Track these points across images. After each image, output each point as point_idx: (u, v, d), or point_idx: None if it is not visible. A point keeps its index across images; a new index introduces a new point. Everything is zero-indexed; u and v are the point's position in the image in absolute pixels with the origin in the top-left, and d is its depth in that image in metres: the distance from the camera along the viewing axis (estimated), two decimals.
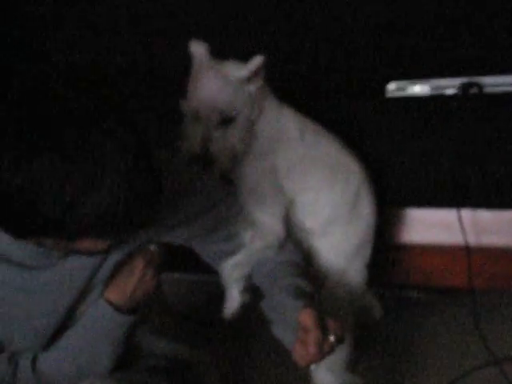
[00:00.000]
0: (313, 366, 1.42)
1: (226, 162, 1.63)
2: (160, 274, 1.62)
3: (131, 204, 1.21)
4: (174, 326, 1.88)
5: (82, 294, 1.56)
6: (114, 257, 1.57)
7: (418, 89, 2.00)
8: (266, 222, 1.71)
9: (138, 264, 1.58)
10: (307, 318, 1.40)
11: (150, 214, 1.29)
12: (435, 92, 1.99)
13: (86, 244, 1.31)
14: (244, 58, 1.62)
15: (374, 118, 2.03)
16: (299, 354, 1.42)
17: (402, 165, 2.00)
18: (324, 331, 1.40)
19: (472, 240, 1.98)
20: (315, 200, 1.79)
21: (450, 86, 1.97)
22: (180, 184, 1.63)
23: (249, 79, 1.61)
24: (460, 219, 1.95)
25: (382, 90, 2.03)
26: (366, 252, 1.86)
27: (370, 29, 1.97)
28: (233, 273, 1.69)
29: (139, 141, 1.23)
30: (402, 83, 2.02)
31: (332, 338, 1.40)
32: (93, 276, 1.56)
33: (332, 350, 1.41)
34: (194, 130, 1.62)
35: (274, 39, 2.07)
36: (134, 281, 1.57)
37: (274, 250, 1.71)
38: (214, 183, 1.70)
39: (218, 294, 1.75)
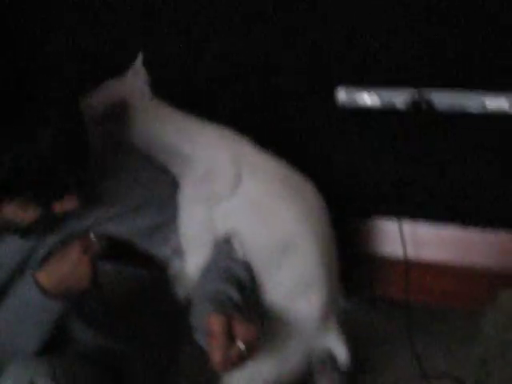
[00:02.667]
0: (228, 370, 1.40)
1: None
2: (96, 265, 1.58)
3: (47, 156, 1.25)
4: (107, 317, 1.86)
5: (15, 276, 1.55)
6: (51, 240, 1.55)
7: (369, 100, 2.01)
8: (187, 261, 1.70)
9: (74, 250, 1.54)
10: (213, 323, 1.38)
11: (63, 179, 1.32)
12: (386, 106, 2.00)
13: (12, 211, 1.32)
14: None
15: (324, 126, 2.04)
16: (211, 360, 1.39)
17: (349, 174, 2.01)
18: (234, 338, 1.37)
19: (411, 253, 1.99)
20: (249, 241, 1.71)
21: (399, 101, 1.98)
22: (124, 175, 1.62)
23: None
24: (401, 231, 1.96)
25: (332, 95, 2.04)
26: (316, 288, 1.75)
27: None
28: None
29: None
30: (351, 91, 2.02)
31: (241, 346, 1.37)
32: (26, 259, 1.54)
33: (241, 358, 1.38)
34: None
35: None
36: (66, 267, 1.53)
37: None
38: (164, 188, 1.69)
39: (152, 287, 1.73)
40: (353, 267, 1.85)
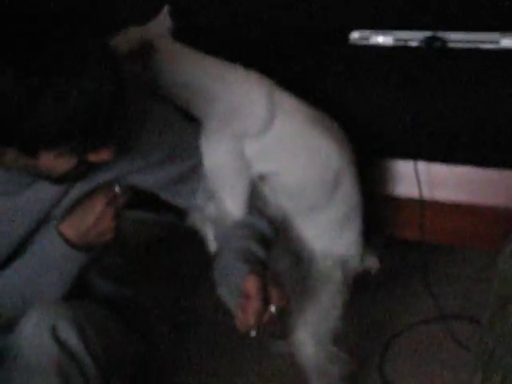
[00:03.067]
0: (253, 333, 1.40)
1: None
2: (121, 217, 1.60)
3: (87, 110, 1.24)
4: (127, 269, 1.87)
5: (39, 225, 1.54)
6: (76, 191, 1.54)
7: (382, 39, 1.98)
8: (227, 204, 1.67)
9: (98, 202, 1.55)
10: (250, 284, 1.39)
11: (109, 127, 1.32)
12: (399, 43, 1.98)
13: (49, 161, 1.31)
14: None
15: (338, 66, 2.00)
16: (239, 319, 1.40)
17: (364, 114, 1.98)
18: (266, 300, 1.38)
19: (426, 193, 1.97)
20: (288, 183, 1.73)
21: (413, 38, 1.96)
22: (151, 124, 1.60)
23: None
24: (416, 172, 1.94)
25: (346, 38, 2.00)
26: (356, 227, 1.82)
27: None
28: (202, 223, 1.70)
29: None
30: (365, 32, 2.00)
31: (273, 309, 1.39)
32: (52, 208, 1.53)
33: (272, 320, 1.40)
34: None
35: None
36: (91, 218, 1.54)
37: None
38: (189, 136, 1.67)
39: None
40: (368, 207, 1.86)
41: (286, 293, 1.43)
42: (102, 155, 1.38)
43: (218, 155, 1.66)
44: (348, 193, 1.77)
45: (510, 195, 1.94)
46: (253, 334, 1.40)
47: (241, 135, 1.65)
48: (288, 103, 1.69)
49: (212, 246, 1.73)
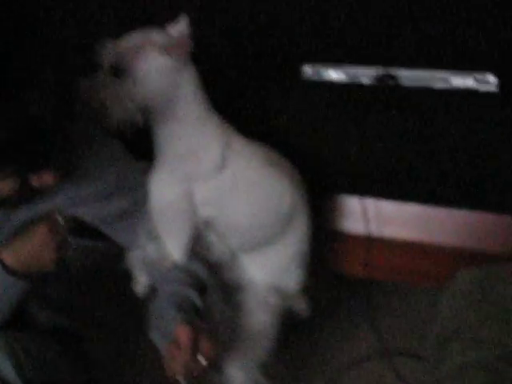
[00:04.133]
0: (181, 380, 1.39)
1: (116, 113, 1.51)
2: (65, 245, 1.58)
3: (27, 133, 1.24)
4: (68, 298, 1.85)
5: None
6: (19, 218, 1.54)
7: (335, 75, 1.99)
8: (168, 246, 1.66)
9: (40, 231, 1.53)
10: (182, 334, 1.38)
11: (50, 149, 1.32)
12: (351, 80, 1.99)
13: None
14: None
15: (289, 100, 2.01)
16: (167, 366, 1.40)
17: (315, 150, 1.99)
18: (197, 352, 1.38)
19: (373, 230, 1.98)
20: (235, 225, 1.73)
21: (366, 75, 1.97)
22: (96, 156, 1.60)
23: (168, 49, 1.54)
24: (364, 208, 1.95)
25: (298, 72, 2.01)
26: (304, 263, 1.83)
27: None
28: (139, 261, 1.67)
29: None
30: (317, 67, 2.01)
31: (203, 362, 1.38)
32: None
33: (202, 372, 1.39)
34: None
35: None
36: (31, 246, 1.51)
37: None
38: (134, 173, 1.67)
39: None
40: (316, 243, 1.86)
41: (216, 345, 1.42)
42: (44, 179, 1.37)
43: (166, 195, 1.64)
44: (300, 230, 1.78)
45: (457, 234, 1.96)
46: (182, 381, 1.39)
47: (192, 177, 1.64)
48: (241, 146, 1.69)
49: (140, 288, 1.70)
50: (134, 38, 1.54)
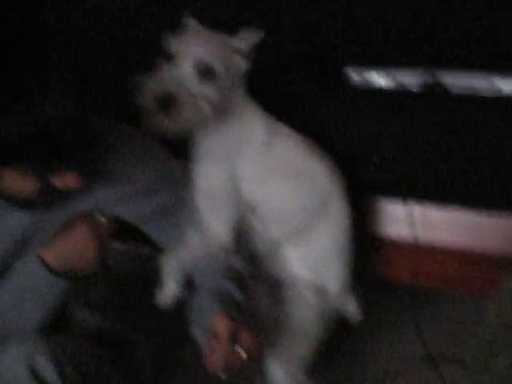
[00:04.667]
0: (222, 375, 1.38)
1: (189, 114, 1.49)
2: (104, 246, 1.59)
3: (43, 132, 1.25)
4: (112, 300, 1.86)
5: (17, 251, 1.54)
6: (56, 217, 1.54)
7: (381, 80, 1.99)
8: (214, 227, 1.67)
9: (81, 230, 1.54)
10: (220, 326, 1.39)
11: (70, 151, 1.33)
12: (398, 88, 1.99)
13: (11, 182, 1.33)
14: None
15: (334, 105, 2.02)
16: (207, 360, 1.40)
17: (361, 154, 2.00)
18: (237, 344, 1.38)
19: (420, 236, 1.97)
20: (279, 208, 1.74)
21: (413, 83, 1.97)
22: (131, 154, 1.61)
23: (243, 53, 1.57)
24: (410, 213, 1.95)
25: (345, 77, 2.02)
26: (344, 258, 1.83)
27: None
28: (173, 267, 1.65)
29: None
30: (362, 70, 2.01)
31: (242, 354, 1.38)
32: (30, 235, 1.54)
33: (241, 365, 1.39)
34: (164, 72, 1.52)
35: None
36: (73, 246, 1.53)
37: (215, 255, 1.68)
38: (174, 169, 1.69)
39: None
40: (361, 249, 1.87)
41: (258, 338, 1.42)
42: (67, 180, 1.39)
43: (211, 178, 1.66)
44: (337, 218, 1.79)
45: (503, 241, 1.94)
46: (222, 375, 1.38)
47: (237, 159, 1.66)
48: (284, 131, 1.74)
49: (165, 297, 1.66)
50: (219, 42, 1.57)
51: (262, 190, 1.70)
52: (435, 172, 1.96)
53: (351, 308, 1.87)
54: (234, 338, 1.38)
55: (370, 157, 1.98)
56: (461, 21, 1.89)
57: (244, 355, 1.38)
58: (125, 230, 1.69)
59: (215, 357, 1.37)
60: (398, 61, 1.97)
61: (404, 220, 1.97)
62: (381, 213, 2.00)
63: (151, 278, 2.37)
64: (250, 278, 1.70)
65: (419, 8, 1.91)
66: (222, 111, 1.58)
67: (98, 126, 1.52)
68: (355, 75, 1.99)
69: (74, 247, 1.53)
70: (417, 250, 1.97)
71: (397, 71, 1.97)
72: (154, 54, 1.54)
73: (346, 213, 1.81)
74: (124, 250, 2.13)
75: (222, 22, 1.58)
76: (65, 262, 1.53)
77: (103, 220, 1.57)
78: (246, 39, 1.57)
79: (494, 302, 1.59)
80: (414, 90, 1.94)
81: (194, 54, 1.52)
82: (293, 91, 2.04)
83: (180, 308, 1.62)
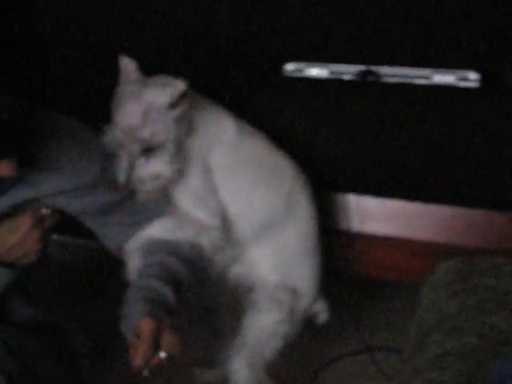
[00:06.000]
0: (145, 372, 1.40)
1: (151, 191, 1.60)
2: (47, 239, 1.57)
3: None
4: (50, 292, 1.85)
5: None
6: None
7: (316, 72, 2.00)
8: (204, 219, 1.68)
9: (25, 221, 1.52)
10: (144, 326, 1.39)
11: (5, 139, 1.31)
12: (333, 76, 2.00)
13: None
14: None
15: (271, 97, 2.02)
16: (130, 357, 1.40)
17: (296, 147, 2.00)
18: (158, 345, 1.40)
19: (356, 226, 1.99)
20: (246, 203, 1.75)
21: (347, 72, 1.98)
22: (77, 146, 1.59)
23: (172, 105, 1.56)
24: (347, 204, 1.97)
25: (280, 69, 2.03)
26: (313, 257, 1.84)
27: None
28: (135, 248, 1.68)
29: None
30: (299, 65, 2.02)
31: (162, 355, 1.40)
32: None
33: (160, 365, 1.41)
34: (118, 159, 1.57)
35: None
36: (16, 237, 1.50)
37: (216, 246, 1.70)
38: None
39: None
40: None
41: (178, 340, 1.42)
42: (2, 169, 1.37)
43: (191, 175, 1.68)
44: (303, 216, 1.80)
45: (437, 229, 1.97)
46: (145, 373, 1.40)
47: (208, 157, 1.69)
48: (249, 130, 1.78)
49: (130, 268, 1.69)
50: (149, 110, 1.56)
51: (230, 187, 1.72)
52: (371, 163, 1.98)
53: (320, 308, 1.89)
54: (154, 339, 1.40)
55: (305, 150, 1.99)
56: (395, 18, 1.91)
57: (163, 356, 1.39)
58: (66, 223, 1.68)
59: (136, 356, 1.38)
60: (335, 56, 1.99)
61: (341, 210, 1.98)
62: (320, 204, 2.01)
63: (91, 270, 2.38)
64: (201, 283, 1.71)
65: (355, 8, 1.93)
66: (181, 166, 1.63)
67: (43, 118, 1.53)
68: (293, 69, 2.01)
69: (16, 240, 1.50)
70: (354, 240, 1.99)
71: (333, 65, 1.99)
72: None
73: (313, 210, 1.82)
74: (65, 242, 2.12)
75: None
76: (6, 253, 1.51)
77: (46, 212, 1.55)
78: (172, 93, 1.56)
79: (427, 287, 1.62)
80: (349, 79, 1.96)
81: (133, 138, 1.55)
82: (228, 85, 2.04)
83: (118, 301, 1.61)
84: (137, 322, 1.41)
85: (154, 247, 1.66)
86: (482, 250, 1.86)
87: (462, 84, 1.90)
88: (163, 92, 1.55)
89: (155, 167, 1.58)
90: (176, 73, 1.70)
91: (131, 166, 1.56)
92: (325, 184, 2.00)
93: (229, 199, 1.73)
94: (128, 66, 1.60)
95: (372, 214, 2.01)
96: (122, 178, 1.56)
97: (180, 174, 1.64)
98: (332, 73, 1.99)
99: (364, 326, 2.17)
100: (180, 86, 1.54)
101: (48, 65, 2.12)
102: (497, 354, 1.31)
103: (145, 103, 1.55)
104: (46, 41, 2.14)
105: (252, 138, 1.76)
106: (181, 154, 1.63)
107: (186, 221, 1.68)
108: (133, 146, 1.55)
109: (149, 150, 1.56)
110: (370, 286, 2.30)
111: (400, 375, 1.48)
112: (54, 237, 1.68)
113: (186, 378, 2.14)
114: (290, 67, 2.00)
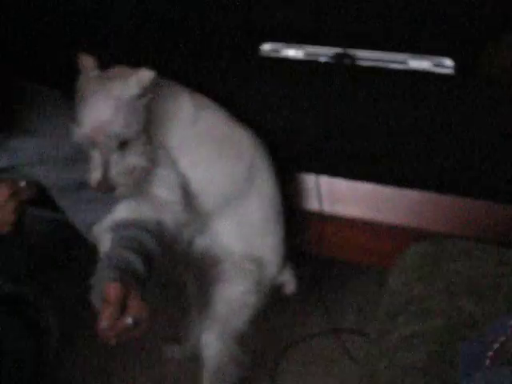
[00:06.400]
0: (112, 341, 1.39)
1: (130, 184, 1.58)
2: (23, 210, 1.57)
3: None
4: (22, 265, 1.83)
5: None
6: None
7: (292, 52, 2.01)
8: (165, 196, 1.68)
9: (2, 192, 1.51)
10: (111, 291, 1.38)
11: None
12: (309, 58, 2.01)
13: None
14: None
15: (248, 77, 2.02)
16: (97, 324, 1.39)
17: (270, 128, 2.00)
18: (125, 310, 1.39)
19: (326, 207, 2.00)
20: (207, 176, 1.76)
21: (324, 54, 1.99)
22: (63, 121, 1.58)
23: (140, 95, 1.55)
24: (318, 186, 1.97)
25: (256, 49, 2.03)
26: (276, 227, 1.85)
27: None
28: (106, 228, 1.66)
29: None
30: (276, 45, 2.02)
31: (129, 320, 1.38)
32: None
33: (127, 331, 1.39)
34: (92, 157, 1.56)
35: None
36: None
37: (179, 221, 1.70)
38: None
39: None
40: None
41: (146, 306, 1.41)
42: None
43: (146, 153, 1.64)
44: (265, 186, 1.82)
45: (407, 214, 1.99)
46: (112, 342, 1.39)
47: (167, 133, 1.68)
48: (208, 104, 1.77)
49: (104, 247, 1.66)
50: (108, 106, 1.54)
51: (190, 162, 1.72)
52: (345, 145, 1.98)
53: (287, 278, 1.90)
54: (121, 304, 1.38)
55: (279, 130, 1.99)
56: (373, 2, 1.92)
57: (130, 321, 1.38)
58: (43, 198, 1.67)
59: (103, 319, 1.37)
60: (312, 38, 1.99)
61: (312, 192, 1.99)
62: (291, 185, 2.02)
63: (60, 244, 2.37)
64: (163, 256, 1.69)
65: None
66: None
67: (25, 86, 1.55)
68: (269, 49, 2.01)
69: None
70: (325, 222, 2.00)
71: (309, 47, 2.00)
72: None
73: (273, 182, 1.84)
74: (39, 215, 2.11)
75: None
76: None
77: (22, 184, 1.54)
78: (140, 83, 1.55)
79: (397, 269, 1.63)
80: (324, 61, 1.96)
81: (106, 135, 1.53)
82: (205, 64, 2.04)
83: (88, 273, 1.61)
84: (104, 287, 1.41)
85: (123, 227, 1.65)
86: (450, 235, 1.88)
87: (438, 70, 1.92)
88: (131, 83, 1.54)
89: (131, 160, 1.57)
90: (152, 56, 1.71)
91: (106, 164, 1.54)
92: (297, 165, 2.01)
93: (190, 173, 1.73)
94: (87, 62, 1.59)
95: (343, 196, 2.01)
96: (97, 176, 1.54)
97: (153, 163, 1.64)
98: (308, 54, 2.00)
99: (332, 307, 2.18)
100: (148, 74, 1.54)
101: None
102: (464, 336, 1.33)
103: (113, 97, 1.53)
104: None
105: (209, 111, 1.76)
106: (151, 141, 1.63)
107: (148, 199, 1.67)
108: (108, 143, 1.53)
109: (123, 144, 1.55)
110: (339, 268, 2.32)
111: (367, 356, 1.49)
112: (33, 210, 1.66)
113: (154, 354, 2.15)
114: (266, 47, 2.00)
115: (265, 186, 1.82)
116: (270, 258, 1.85)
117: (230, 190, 1.79)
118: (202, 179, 1.75)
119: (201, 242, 1.83)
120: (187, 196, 1.72)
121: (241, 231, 1.82)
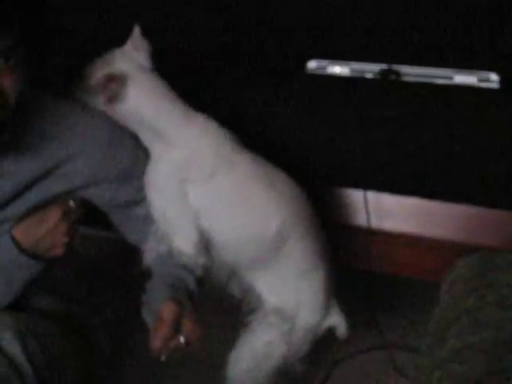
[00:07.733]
0: (163, 357, 1.43)
1: None
2: (75, 231, 1.59)
3: None
4: (75, 284, 1.86)
5: None
6: (32, 197, 1.57)
7: (339, 69, 2.02)
8: (179, 247, 1.66)
9: (54, 213, 1.54)
10: (166, 310, 1.42)
11: None
12: (355, 74, 2.02)
13: None
14: None
15: (295, 95, 2.04)
16: (151, 341, 1.43)
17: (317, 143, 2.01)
18: (178, 329, 1.42)
19: (374, 223, 2.00)
20: (229, 240, 1.71)
21: (369, 70, 2.00)
22: (103, 138, 1.61)
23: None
24: (365, 201, 1.97)
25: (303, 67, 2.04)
26: (314, 277, 1.77)
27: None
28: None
29: None
30: (322, 62, 2.04)
31: (181, 339, 1.42)
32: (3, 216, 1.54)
33: (179, 349, 1.43)
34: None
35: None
36: (45, 228, 1.52)
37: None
38: (143, 157, 1.67)
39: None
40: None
41: (199, 329, 1.44)
42: None
43: (164, 196, 1.66)
44: (297, 248, 1.74)
45: (454, 228, 1.98)
46: (162, 358, 1.43)
47: (185, 180, 1.65)
48: (235, 155, 1.70)
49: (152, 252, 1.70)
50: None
51: (208, 215, 1.68)
52: (392, 161, 1.99)
53: (335, 321, 1.83)
54: (175, 324, 1.41)
55: (326, 146, 2.00)
56: (418, 18, 1.92)
57: (183, 341, 1.42)
58: (92, 216, 1.69)
59: (154, 341, 1.39)
60: (357, 55, 2.01)
61: (360, 207, 1.99)
62: (338, 201, 2.02)
63: (112, 263, 2.39)
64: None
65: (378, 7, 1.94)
66: None
67: (64, 106, 1.58)
68: (315, 67, 2.02)
69: (45, 233, 1.52)
70: (373, 237, 2.00)
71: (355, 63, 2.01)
72: None
73: (310, 243, 1.76)
74: (91, 234, 2.14)
75: None
76: (35, 245, 1.52)
77: (73, 204, 1.57)
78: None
79: (447, 283, 1.63)
80: (370, 78, 1.97)
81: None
82: (252, 82, 2.07)
83: (137, 294, 1.63)
84: (159, 307, 1.43)
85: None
86: (498, 249, 1.88)
87: (483, 85, 1.92)
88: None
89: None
90: (198, 71, 1.72)
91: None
92: (345, 180, 2.02)
93: (212, 230, 1.69)
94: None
95: (390, 211, 2.02)
96: None
97: None
98: (354, 71, 2.01)
99: (381, 323, 2.17)
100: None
101: None
102: None
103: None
104: None
105: (235, 166, 1.69)
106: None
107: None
108: None
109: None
110: (388, 284, 2.30)
111: (418, 369, 1.48)
112: (84, 230, 1.69)
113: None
114: (312, 65, 2.02)
115: (297, 245, 1.74)
116: (305, 311, 1.77)
117: (255, 254, 1.73)
118: (228, 244, 1.71)
119: (235, 287, 1.80)
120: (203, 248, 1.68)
121: (272, 284, 1.76)
